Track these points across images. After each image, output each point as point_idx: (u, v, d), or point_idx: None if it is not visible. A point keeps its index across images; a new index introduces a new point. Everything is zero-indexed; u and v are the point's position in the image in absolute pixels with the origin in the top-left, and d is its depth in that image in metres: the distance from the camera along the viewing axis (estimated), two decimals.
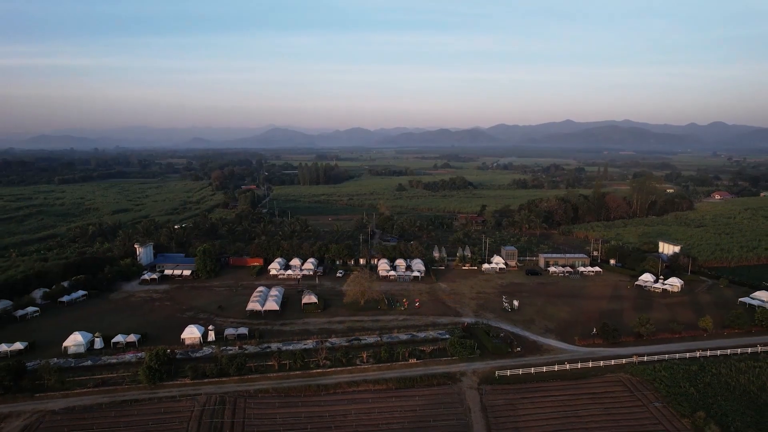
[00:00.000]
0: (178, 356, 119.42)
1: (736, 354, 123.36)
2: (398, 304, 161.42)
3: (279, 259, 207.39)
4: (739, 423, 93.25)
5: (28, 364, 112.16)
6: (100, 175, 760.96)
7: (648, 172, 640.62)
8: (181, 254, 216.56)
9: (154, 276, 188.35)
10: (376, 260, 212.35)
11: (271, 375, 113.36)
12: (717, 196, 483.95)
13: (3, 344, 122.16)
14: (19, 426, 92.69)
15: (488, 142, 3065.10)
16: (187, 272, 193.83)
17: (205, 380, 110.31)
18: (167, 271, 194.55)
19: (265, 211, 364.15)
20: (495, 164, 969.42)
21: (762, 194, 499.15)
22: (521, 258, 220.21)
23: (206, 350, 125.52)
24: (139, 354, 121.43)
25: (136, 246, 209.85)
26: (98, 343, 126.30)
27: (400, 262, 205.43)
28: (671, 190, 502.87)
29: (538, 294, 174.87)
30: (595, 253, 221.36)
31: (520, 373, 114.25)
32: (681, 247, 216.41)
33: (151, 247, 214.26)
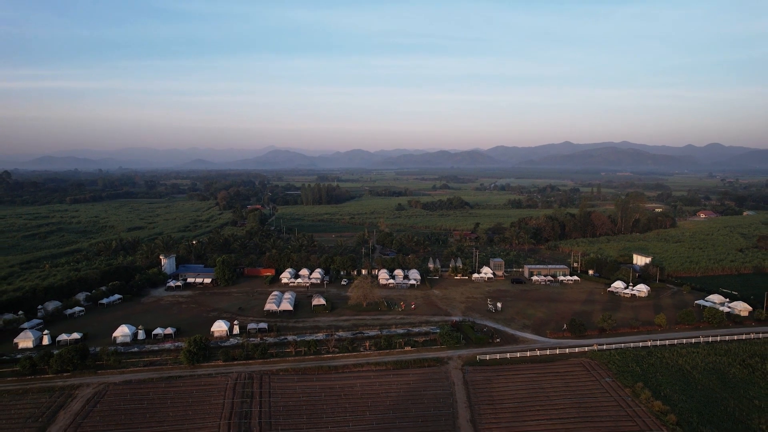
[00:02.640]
0: (210, 344, 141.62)
1: (681, 343, 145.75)
2: (396, 306, 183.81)
3: (289, 270, 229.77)
4: (668, 390, 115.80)
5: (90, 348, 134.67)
6: (109, 195, 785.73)
7: (640, 193, 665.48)
8: (201, 265, 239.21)
9: (179, 283, 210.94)
10: (376, 270, 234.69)
11: (289, 359, 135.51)
12: (702, 215, 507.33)
13: (63, 334, 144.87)
14: (90, 393, 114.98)
15: (487, 164, 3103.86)
16: (207, 280, 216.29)
17: (235, 362, 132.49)
18: (189, 279, 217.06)
19: (272, 228, 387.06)
20: (493, 185, 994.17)
21: (745, 213, 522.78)
22: (508, 269, 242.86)
23: (232, 341, 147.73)
24: (177, 343, 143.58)
25: (161, 257, 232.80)
26: (141, 335, 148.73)
27: (399, 272, 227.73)
28: (659, 209, 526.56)
29: (520, 298, 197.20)
30: (576, 265, 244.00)
31: (498, 357, 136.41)
32: (652, 259, 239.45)
33: (174, 259, 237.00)
